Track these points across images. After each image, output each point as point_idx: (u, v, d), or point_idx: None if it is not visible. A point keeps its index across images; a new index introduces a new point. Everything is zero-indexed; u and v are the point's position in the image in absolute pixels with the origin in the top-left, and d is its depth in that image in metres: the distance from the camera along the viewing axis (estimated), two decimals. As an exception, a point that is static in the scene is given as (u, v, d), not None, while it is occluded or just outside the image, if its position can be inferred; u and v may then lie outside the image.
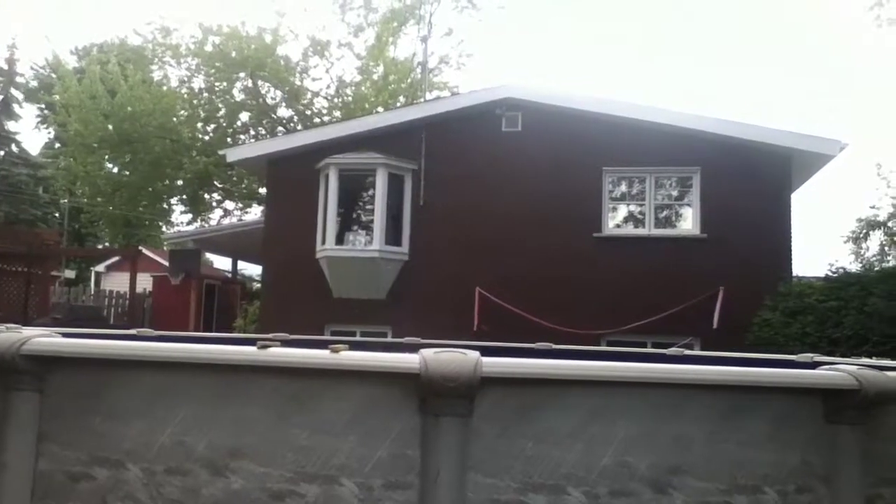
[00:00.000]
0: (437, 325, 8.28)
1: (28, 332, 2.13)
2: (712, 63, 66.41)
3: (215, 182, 23.92)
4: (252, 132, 24.31)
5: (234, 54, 21.28)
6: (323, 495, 1.96)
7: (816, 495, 2.06)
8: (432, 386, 1.91)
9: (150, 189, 23.52)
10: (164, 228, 30.77)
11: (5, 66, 36.95)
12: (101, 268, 29.30)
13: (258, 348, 2.05)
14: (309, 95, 23.76)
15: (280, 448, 1.99)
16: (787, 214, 10.38)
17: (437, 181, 11.28)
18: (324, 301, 11.19)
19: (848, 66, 60.42)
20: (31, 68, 38.28)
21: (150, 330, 4.02)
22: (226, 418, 2.01)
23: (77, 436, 2.05)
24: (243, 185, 23.89)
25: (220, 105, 23.37)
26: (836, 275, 8.97)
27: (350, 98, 23.38)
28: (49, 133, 37.61)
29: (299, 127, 22.49)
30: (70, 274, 29.11)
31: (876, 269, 16.10)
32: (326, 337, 7.07)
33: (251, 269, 23.27)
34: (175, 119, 22.12)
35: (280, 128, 23.54)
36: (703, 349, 8.89)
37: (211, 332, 14.87)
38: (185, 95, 23.30)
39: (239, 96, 23.54)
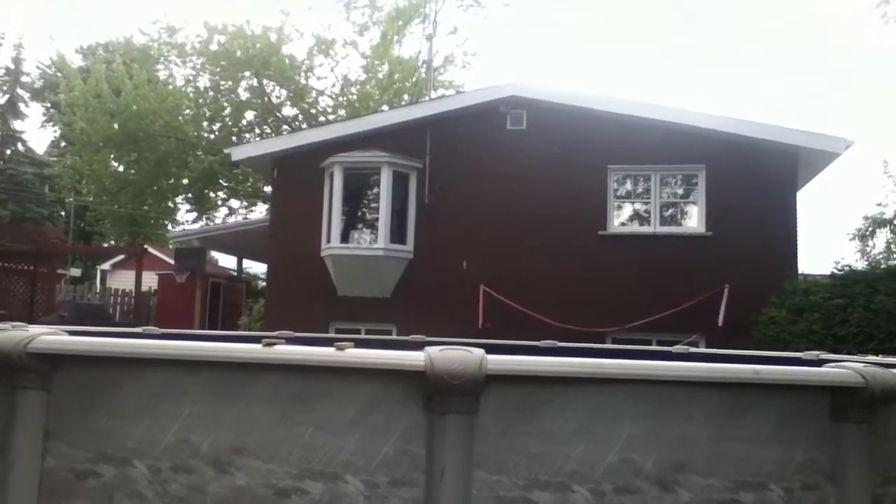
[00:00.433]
0: (442, 323, 8.30)
1: (34, 330, 2.13)
2: (712, 63, 66.30)
3: (220, 181, 24.00)
4: (257, 131, 24.37)
5: (239, 53, 21.31)
6: (328, 492, 1.96)
7: (822, 493, 2.05)
8: (438, 383, 1.91)
9: (156, 187, 23.61)
10: (169, 227, 30.92)
11: (11, 66, 37.14)
12: (106, 266, 29.42)
13: (263, 346, 2.05)
14: (314, 94, 23.80)
15: (285, 445, 1.99)
16: (793, 212, 10.35)
17: (441, 179, 11.28)
18: (329, 299, 11.20)
19: (851, 64, 60.22)
20: (37, 68, 38.67)
21: (155, 328, 4.02)
22: (231, 416, 2.01)
23: (83, 433, 2.05)
24: (248, 184, 23.96)
25: (225, 104, 23.42)
26: (842, 272, 8.93)
27: (355, 97, 23.38)
28: (55, 132, 37.81)
29: (304, 126, 22.48)
30: (76, 272, 29.26)
31: (882, 266, 16.03)
32: (331, 335, 7.07)
33: (256, 268, 23.34)
34: (180, 118, 22.15)
35: (285, 126, 23.56)
36: (708, 347, 8.87)
37: (216, 330, 14.91)
38: (191, 94, 23.35)
39: (244, 95, 23.60)
